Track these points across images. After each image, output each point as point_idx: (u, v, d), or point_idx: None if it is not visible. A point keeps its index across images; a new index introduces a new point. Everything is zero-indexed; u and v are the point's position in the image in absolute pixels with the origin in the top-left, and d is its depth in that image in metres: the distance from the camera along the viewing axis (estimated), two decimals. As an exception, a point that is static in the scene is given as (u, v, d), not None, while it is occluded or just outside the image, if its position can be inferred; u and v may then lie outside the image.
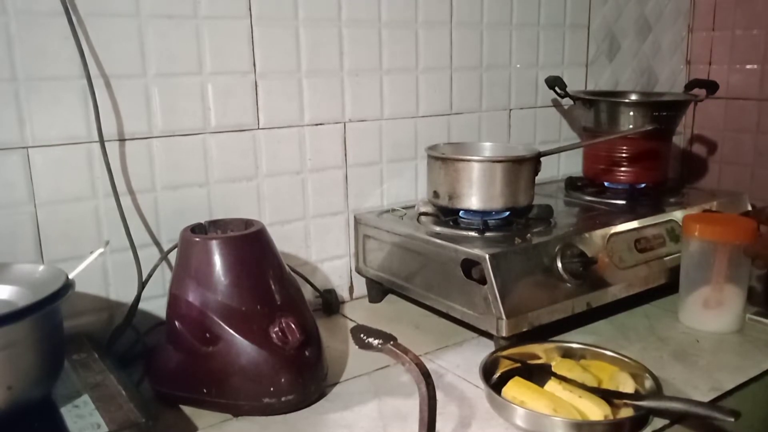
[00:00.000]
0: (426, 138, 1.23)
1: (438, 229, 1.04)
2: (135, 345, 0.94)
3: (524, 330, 0.91)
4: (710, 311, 1.02)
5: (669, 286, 1.08)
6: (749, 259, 0.98)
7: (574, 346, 0.90)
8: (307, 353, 0.83)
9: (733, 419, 0.70)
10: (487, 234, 1.00)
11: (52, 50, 0.86)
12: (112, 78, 0.91)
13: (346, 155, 1.15)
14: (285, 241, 1.08)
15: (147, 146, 0.95)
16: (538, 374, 0.84)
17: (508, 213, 1.05)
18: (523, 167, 1.05)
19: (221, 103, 1.00)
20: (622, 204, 1.22)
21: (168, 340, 0.84)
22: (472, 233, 1.00)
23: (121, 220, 0.91)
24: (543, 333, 0.94)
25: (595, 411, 0.75)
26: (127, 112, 0.93)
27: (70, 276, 0.72)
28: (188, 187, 0.99)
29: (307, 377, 0.82)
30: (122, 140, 0.93)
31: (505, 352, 0.88)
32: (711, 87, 1.37)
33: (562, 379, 0.82)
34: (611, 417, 0.76)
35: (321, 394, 0.85)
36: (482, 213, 1.03)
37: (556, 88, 1.36)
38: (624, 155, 1.27)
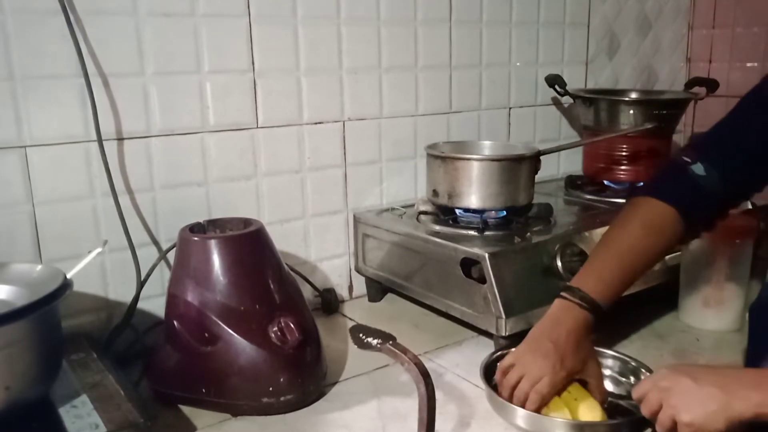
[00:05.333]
0: (425, 136, 1.23)
1: (437, 227, 1.04)
2: (133, 345, 0.94)
3: (524, 329, 0.91)
4: (710, 310, 1.01)
5: (669, 286, 1.08)
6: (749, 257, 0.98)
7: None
8: (306, 353, 0.83)
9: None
10: (487, 233, 1.00)
11: (50, 49, 0.85)
12: (110, 77, 0.90)
13: (345, 154, 1.14)
14: (284, 241, 1.08)
15: (145, 145, 0.95)
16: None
17: (507, 212, 1.05)
18: (522, 166, 1.05)
19: (220, 102, 1.00)
20: (622, 202, 1.22)
21: (167, 339, 0.84)
22: (472, 232, 1.00)
23: (120, 220, 0.91)
24: (543, 332, 0.94)
25: (587, 415, 0.74)
26: (125, 111, 0.92)
27: (68, 275, 0.72)
28: (187, 186, 0.99)
29: (306, 377, 0.82)
30: (120, 139, 0.93)
31: (505, 352, 0.87)
32: (711, 85, 1.37)
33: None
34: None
35: (320, 394, 0.85)
36: (482, 212, 1.03)
37: (556, 87, 1.36)
38: (624, 154, 1.26)
